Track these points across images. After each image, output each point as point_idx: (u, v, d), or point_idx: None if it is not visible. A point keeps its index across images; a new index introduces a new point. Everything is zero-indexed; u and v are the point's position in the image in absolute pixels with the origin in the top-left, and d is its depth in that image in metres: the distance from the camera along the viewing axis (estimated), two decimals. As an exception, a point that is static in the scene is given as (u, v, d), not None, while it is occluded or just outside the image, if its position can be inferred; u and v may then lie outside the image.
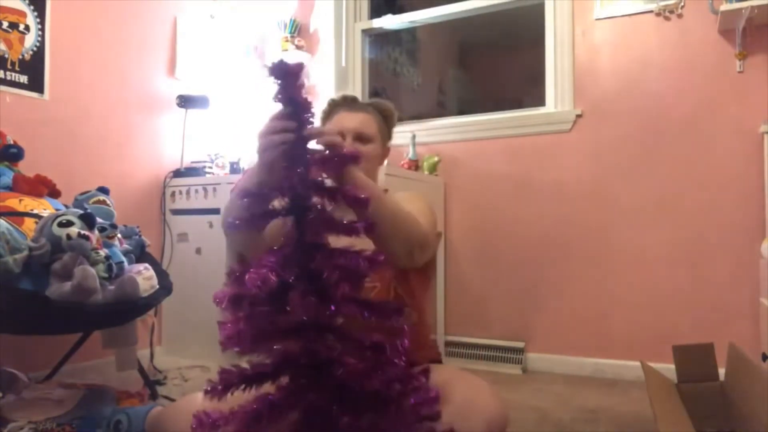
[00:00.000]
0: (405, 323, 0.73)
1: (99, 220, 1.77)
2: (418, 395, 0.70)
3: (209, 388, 0.69)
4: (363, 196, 0.73)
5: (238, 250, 1.13)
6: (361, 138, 1.26)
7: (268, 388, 0.71)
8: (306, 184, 0.72)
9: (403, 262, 1.07)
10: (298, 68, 0.75)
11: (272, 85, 0.76)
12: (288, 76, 0.74)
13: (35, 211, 1.76)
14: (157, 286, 1.87)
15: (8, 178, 1.87)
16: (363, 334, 0.71)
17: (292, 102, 0.76)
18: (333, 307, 0.69)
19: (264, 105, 3.13)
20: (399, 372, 0.70)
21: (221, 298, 0.70)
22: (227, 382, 0.69)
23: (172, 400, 1.98)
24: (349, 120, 1.28)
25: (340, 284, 0.69)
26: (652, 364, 1.61)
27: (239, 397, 0.69)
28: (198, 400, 0.98)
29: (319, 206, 0.72)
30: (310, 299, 0.67)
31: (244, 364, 0.70)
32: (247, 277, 0.67)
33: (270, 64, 0.75)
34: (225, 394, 0.69)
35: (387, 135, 1.35)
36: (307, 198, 0.72)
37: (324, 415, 0.68)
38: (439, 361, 1.27)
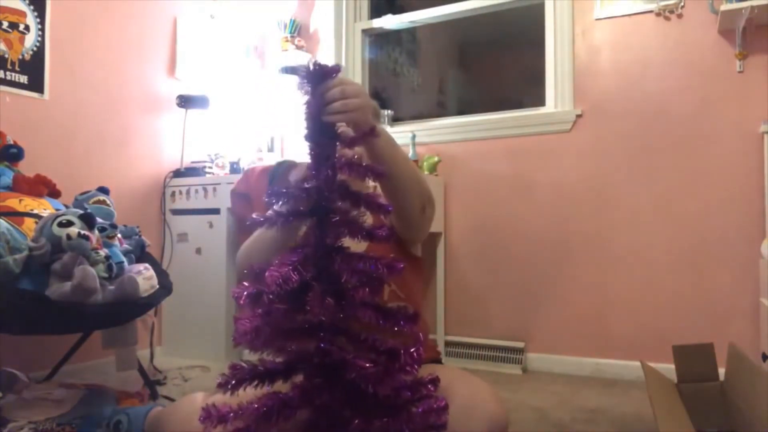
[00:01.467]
0: (420, 331, 0.73)
1: (99, 220, 1.77)
2: (427, 404, 0.71)
3: (221, 382, 0.69)
4: (385, 204, 0.74)
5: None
6: None
7: (278, 386, 0.71)
8: (331, 187, 0.72)
9: (417, 218, 1.13)
10: (336, 70, 0.75)
11: (305, 88, 0.76)
12: (325, 80, 0.75)
13: (35, 211, 1.76)
14: (157, 286, 1.88)
15: (8, 178, 1.87)
16: (378, 339, 0.71)
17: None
18: (350, 311, 0.70)
19: (263, 105, 3.14)
20: (409, 379, 0.70)
21: (240, 293, 0.70)
22: (239, 377, 0.69)
23: (172, 400, 1.98)
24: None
25: (359, 289, 0.70)
26: (652, 364, 1.61)
27: (245, 395, 0.70)
28: (198, 400, 0.98)
29: (342, 209, 0.72)
30: (328, 301, 0.67)
31: (254, 362, 0.71)
32: (268, 274, 0.68)
33: (306, 67, 0.74)
34: (237, 389, 0.69)
35: None
36: (332, 200, 0.72)
37: (334, 417, 0.68)
38: (439, 361, 1.27)
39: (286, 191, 0.72)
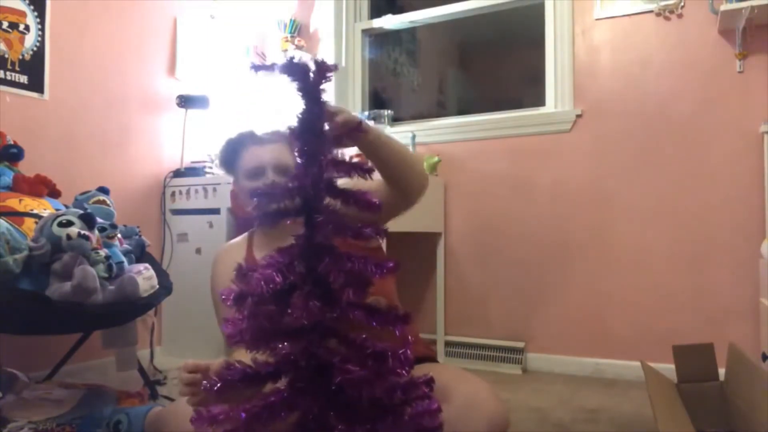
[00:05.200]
0: (410, 332, 0.72)
1: (99, 220, 1.77)
2: (420, 406, 0.70)
3: (207, 384, 0.69)
4: (375, 201, 0.73)
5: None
6: (281, 169, 1.30)
7: (271, 388, 0.70)
8: (318, 185, 0.71)
9: (418, 196, 1.20)
10: (329, 68, 0.75)
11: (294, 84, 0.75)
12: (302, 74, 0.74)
13: (35, 211, 1.76)
14: (157, 286, 1.87)
15: (8, 178, 1.87)
16: (366, 341, 0.70)
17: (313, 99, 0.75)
18: (337, 312, 0.69)
19: (263, 105, 3.13)
20: (402, 381, 0.69)
21: (227, 295, 0.70)
22: (227, 379, 0.68)
23: (172, 400, 1.98)
24: (264, 153, 1.33)
25: (346, 289, 0.69)
26: (652, 364, 1.61)
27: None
28: (198, 401, 0.98)
29: (330, 208, 0.72)
30: (313, 302, 0.67)
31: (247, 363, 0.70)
32: (255, 275, 0.67)
33: (283, 65, 0.73)
34: (223, 391, 0.69)
35: None
36: (319, 199, 0.71)
37: (319, 420, 0.68)
38: (433, 359, 1.27)
39: (270, 190, 0.71)
